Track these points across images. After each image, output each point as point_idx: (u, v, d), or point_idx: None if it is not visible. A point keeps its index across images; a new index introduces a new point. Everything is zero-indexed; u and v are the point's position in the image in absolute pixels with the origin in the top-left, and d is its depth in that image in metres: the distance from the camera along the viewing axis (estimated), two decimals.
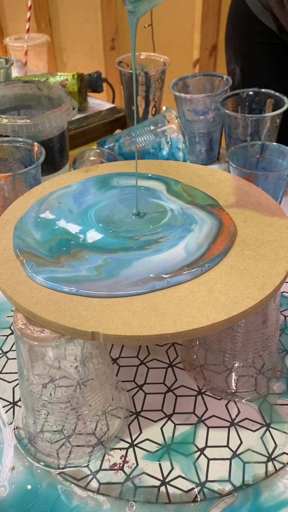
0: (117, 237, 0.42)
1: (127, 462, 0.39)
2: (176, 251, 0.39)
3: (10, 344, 0.49)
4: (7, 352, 0.49)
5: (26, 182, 0.54)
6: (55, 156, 0.67)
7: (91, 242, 0.41)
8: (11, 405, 0.43)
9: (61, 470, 0.38)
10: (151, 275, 0.37)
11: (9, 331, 0.51)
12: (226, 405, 0.42)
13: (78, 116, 0.88)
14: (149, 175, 0.50)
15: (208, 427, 0.41)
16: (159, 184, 0.49)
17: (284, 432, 0.40)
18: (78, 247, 0.41)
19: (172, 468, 0.38)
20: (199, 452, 0.39)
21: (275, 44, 0.78)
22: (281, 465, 0.38)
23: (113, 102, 1.09)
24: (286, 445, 0.39)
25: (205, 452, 0.39)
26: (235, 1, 0.84)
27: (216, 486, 0.37)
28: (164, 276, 0.37)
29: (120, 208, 0.46)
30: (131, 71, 0.83)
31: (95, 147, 0.69)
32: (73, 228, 0.43)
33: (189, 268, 0.37)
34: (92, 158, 0.67)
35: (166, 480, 0.37)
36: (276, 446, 0.39)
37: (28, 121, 0.61)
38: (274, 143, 0.59)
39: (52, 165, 0.67)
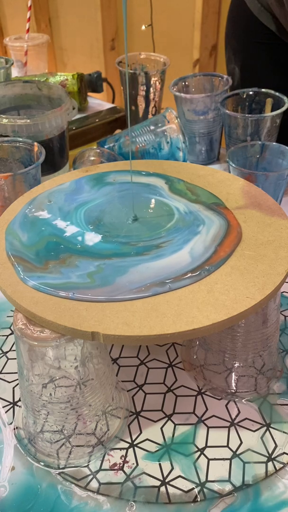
0: (111, 242, 0.40)
1: (127, 462, 0.39)
2: (180, 255, 0.38)
3: (10, 344, 0.49)
4: (7, 352, 0.49)
5: (26, 182, 0.54)
6: (55, 156, 0.67)
7: (82, 246, 0.39)
8: (11, 405, 0.43)
9: (61, 470, 0.38)
10: (152, 282, 0.35)
11: (9, 331, 0.51)
12: (226, 405, 0.42)
13: (78, 116, 0.88)
14: (150, 172, 0.50)
15: (208, 427, 0.41)
16: (160, 181, 0.48)
17: (284, 432, 0.40)
18: (68, 252, 0.39)
19: (172, 468, 0.38)
20: (199, 452, 0.39)
21: (274, 44, 0.78)
22: (281, 465, 0.38)
23: (113, 102, 1.09)
24: (286, 445, 0.39)
25: (205, 452, 0.39)
26: (235, 1, 0.84)
27: (216, 486, 0.37)
28: (166, 281, 0.35)
29: (117, 208, 0.44)
30: (131, 70, 0.83)
31: (95, 147, 0.69)
32: (63, 230, 0.41)
33: (193, 272, 0.36)
34: (92, 158, 0.67)
35: (166, 480, 0.37)
36: (276, 446, 0.39)
37: (28, 121, 0.61)
38: (274, 143, 0.59)
39: (52, 165, 0.67)
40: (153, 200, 0.46)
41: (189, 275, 0.36)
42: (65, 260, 0.38)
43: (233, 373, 0.43)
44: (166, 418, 0.42)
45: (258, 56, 0.81)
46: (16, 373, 0.46)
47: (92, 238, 0.40)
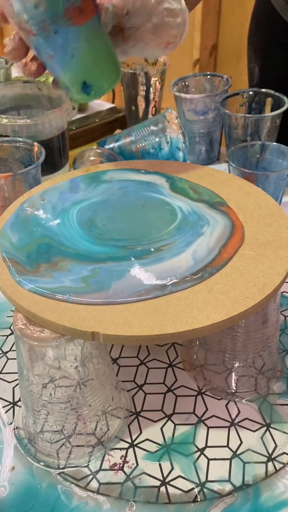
0: (106, 245, 0.39)
1: (127, 462, 0.39)
2: (182, 258, 0.37)
3: (10, 344, 0.49)
4: (7, 352, 0.49)
5: (26, 182, 0.54)
6: (55, 156, 0.67)
7: (74, 249, 0.38)
8: (11, 405, 0.43)
9: (61, 470, 0.38)
10: (152, 286, 0.35)
11: (9, 331, 0.51)
12: (226, 405, 0.42)
13: (78, 116, 0.89)
14: (149, 171, 0.50)
15: (208, 427, 0.41)
16: (160, 179, 0.47)
17: (284, 432, 0.40)
18: (60, 255, 0.37)
19: (172, 468, 0.38)
20: (199, 452, 0.39)
21: None
22: (281, 465, 0.38)
23: (113, 102, 1.09)
24: (286, 445, 0.39)
25: (205, 452, 0.39)
26: None
27: (216, 486, 0.37)
28: (167, 284, 0.35)
29: (114, 207, 0.43)
30: (131, 70, 0.83)
31: (95, 147, 0.69)
32: (55, 231, 0.40)
33: (194, 275, 0.36)
34: (92, 158, 0.66)
35: (166, 480, 0.37)
36: (276, 446, 0.39)
37: (28, 121, 0.61)
38: (274, 143, 0.59)
39: (52, 165, 0.67)
40: (153, 199, 0.45)
41: (190, 277, 0.36)
42: (57, 263, 0.37)
43: (233, 373, 0.43)
44: (166, 418, 0.42)
45: (277, 56, 0.81)
46: (16, 373, 0.46)
47: (85, 240, 0.39)
